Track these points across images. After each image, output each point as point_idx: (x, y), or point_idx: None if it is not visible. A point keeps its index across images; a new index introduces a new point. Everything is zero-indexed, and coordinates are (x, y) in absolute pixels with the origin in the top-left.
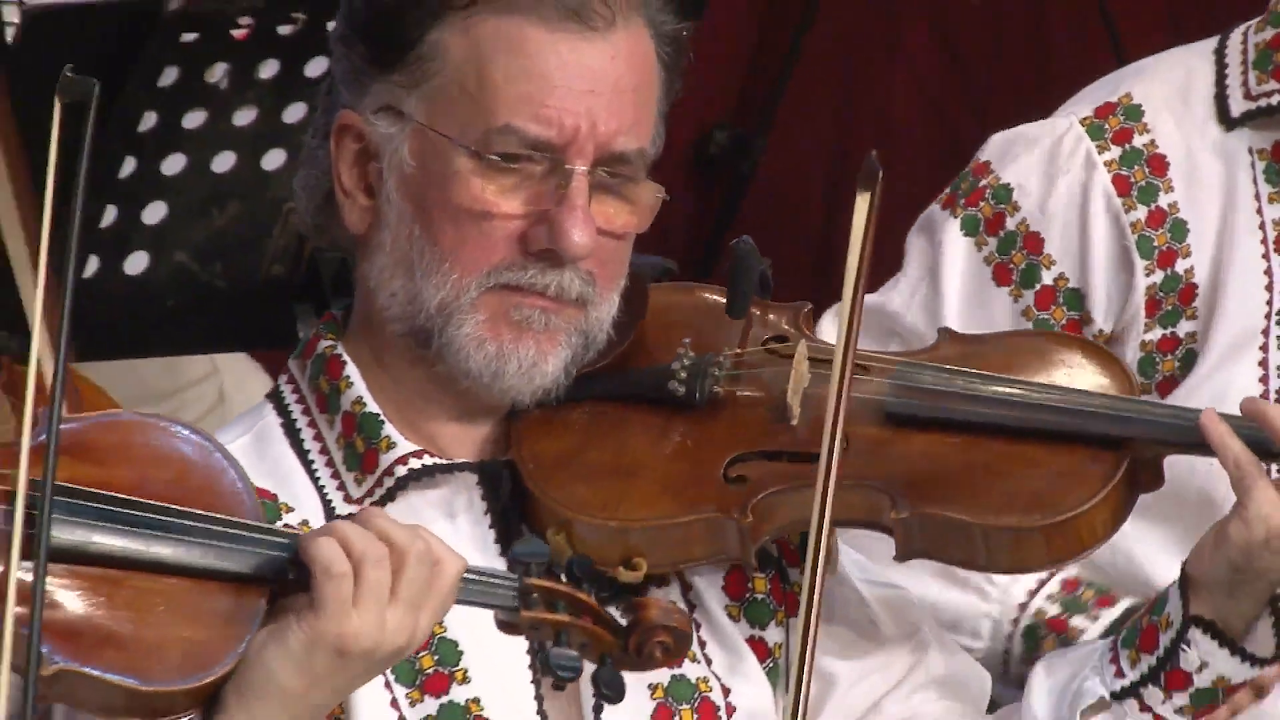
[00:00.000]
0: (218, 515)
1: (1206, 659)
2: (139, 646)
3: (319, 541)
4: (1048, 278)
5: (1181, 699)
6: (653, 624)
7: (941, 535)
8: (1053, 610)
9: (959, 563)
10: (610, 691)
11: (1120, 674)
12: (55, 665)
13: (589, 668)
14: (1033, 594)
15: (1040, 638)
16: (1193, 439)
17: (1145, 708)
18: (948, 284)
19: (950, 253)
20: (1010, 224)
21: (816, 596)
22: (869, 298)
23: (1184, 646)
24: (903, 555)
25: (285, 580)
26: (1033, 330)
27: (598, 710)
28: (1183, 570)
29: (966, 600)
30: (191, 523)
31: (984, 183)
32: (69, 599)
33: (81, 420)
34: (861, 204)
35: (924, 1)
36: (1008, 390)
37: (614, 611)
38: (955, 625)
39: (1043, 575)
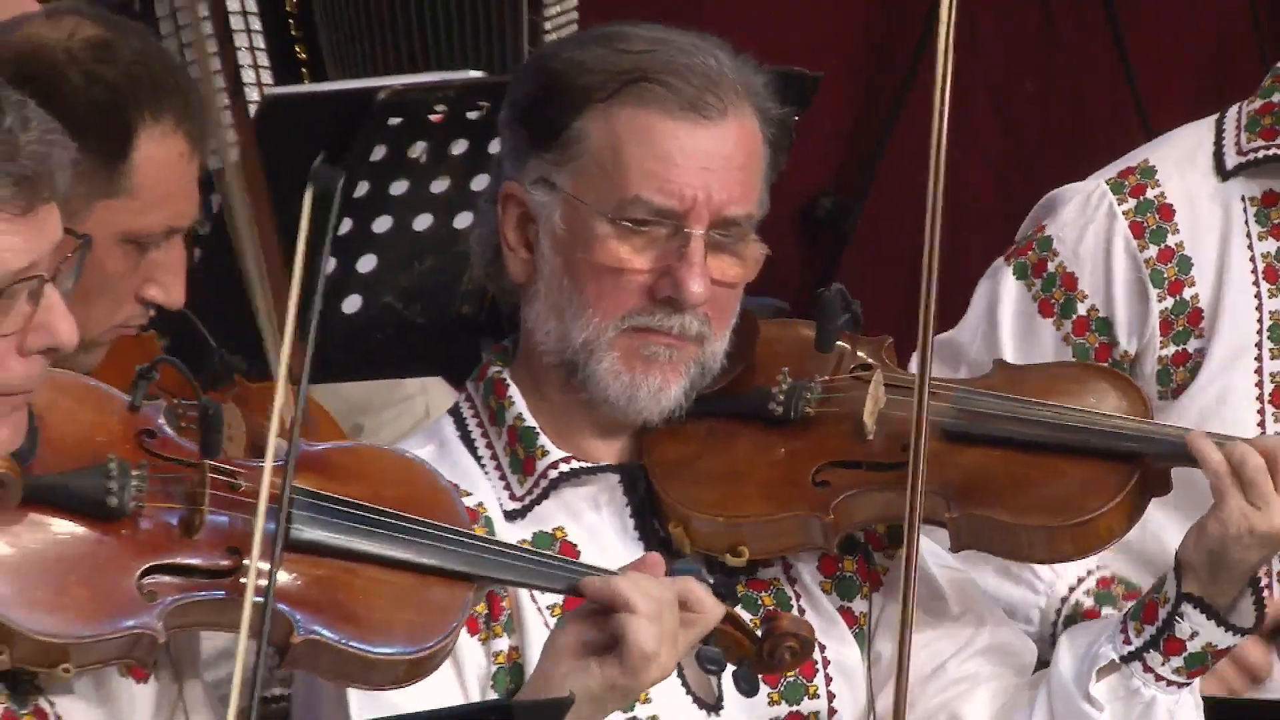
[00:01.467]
0: (436, 522)
1: (1197, 629)
2: (370, 623)
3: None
4: (1082, 309)
5: (1177, 661)
6: (784, 631)
7: (986, 532)
8: (1088, 603)
9: (1002, 554)
10: (747, 686)
11: (1128, 641)
12: (304, 635)
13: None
14: (1073, 589)
15: (1076, 622)
16: (1184, 454)
17: (1148, 668)
18: (1003, 319)
19: (1005, 294)
20: (1051, 267)
21: (912, 582)
22: (943, 335)
23: (1178, 618)
24: (956, 548)
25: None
26: (1068, 362)
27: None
28: (1176, 556)
29: (1020, 593)
30: (414, 527)
31: (1031, 235)
32: (317, 584)
33: (325, 446)
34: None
35: (988, 88)
36: (1042, 413)
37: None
38: (1010, 613)
39: (1081, 574)
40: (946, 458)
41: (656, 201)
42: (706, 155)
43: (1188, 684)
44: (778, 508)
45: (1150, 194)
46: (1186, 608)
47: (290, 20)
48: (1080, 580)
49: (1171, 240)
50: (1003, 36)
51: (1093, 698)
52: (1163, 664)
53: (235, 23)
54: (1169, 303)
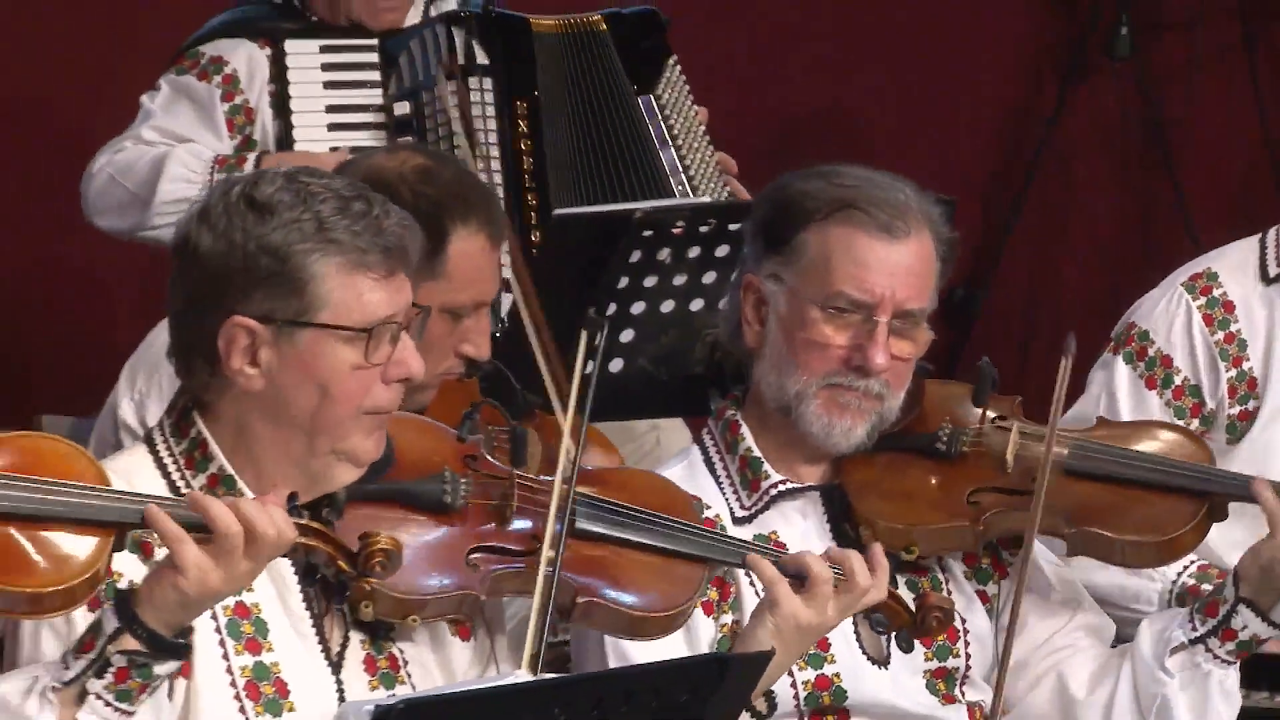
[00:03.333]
0: (682, 521)
1: (1247, 623)
2: (632, 590)
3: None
4: (1178, 380)
5: (1230, 646)
6: (933, 605)
7: (1093, 544)
8: (1191, 582)
9: (1104, 560)
10: (906, 646)
11: (1195, 629)
12: (588, 598)
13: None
14: (1180, 575)
15: (1185, 598)
16: (1245, 494)
17: (1209, 650)
18: (1120, 395)
19: (1119, 377)
20: (1151, 352)
21: (1026, 576)
22: (1072, 410)
23: (1234, 614)
24: (1070, 554)
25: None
26: (1154, 420)
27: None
28: (1234, 569)
29: (1142, 583)
30: (663, 522)
31: (1133, 331)
32: (593, 562)
33: (601, 469)
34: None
35: (1085, 223)
36: (1137, 459)
37: (905, 594)
38: (1137, 597)
39: (1186, 563)
40: (1065, 489)
41: (855, 296)
42: (894, 265)
43: (1235, 663)
44: (942, 519)
45: (1216, 293)
46: (1241, 608)
47: (526, 169)
48: (1185, 568)
49: (1233, 328)
50: (1087, 171)
51: (1166, 669)
52: (1220, 647)
53: (480, 153)
54: (1233, 373)
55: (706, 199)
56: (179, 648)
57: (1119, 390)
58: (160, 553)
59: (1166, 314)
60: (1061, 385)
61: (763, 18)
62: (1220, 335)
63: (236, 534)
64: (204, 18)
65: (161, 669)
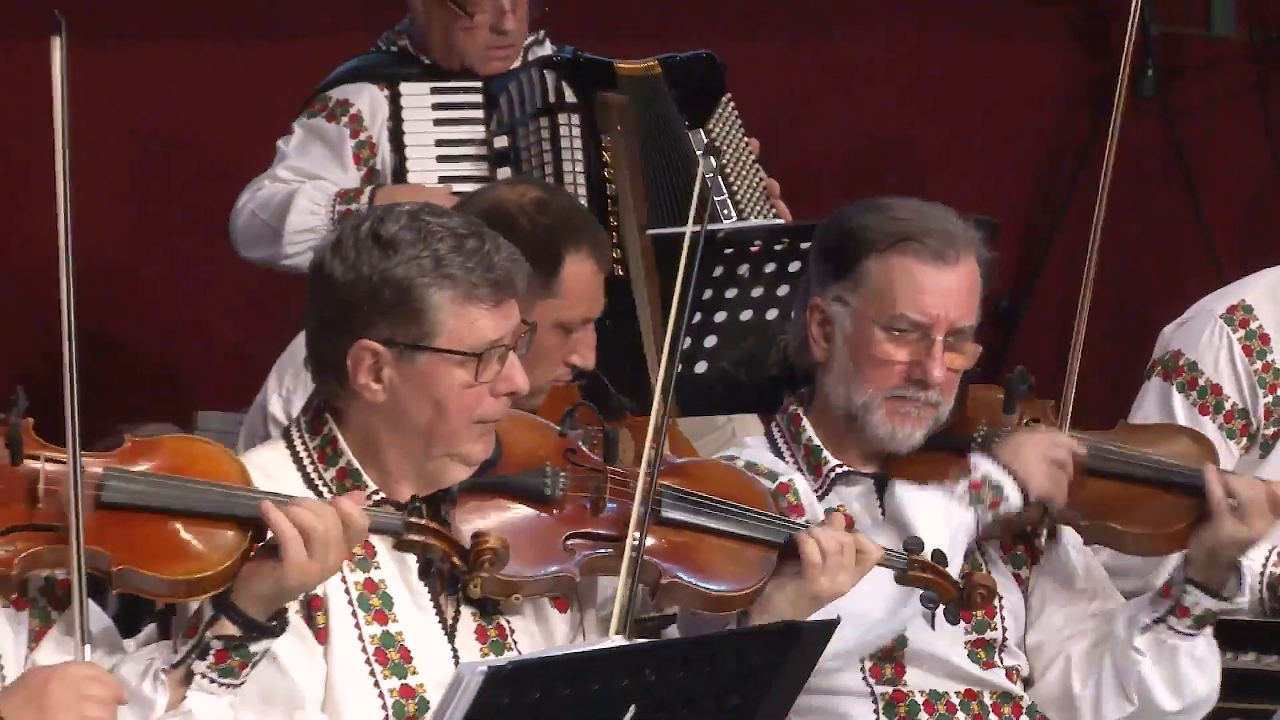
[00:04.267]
0: (751, 508)
1: (1198, 601)
2: (710, 571)
3: (809, 539)
4: (1227, 405)
5: (1188, 621)
6: (977, 583)
7: (1105, 535)
8: (1277, 571)
9: (1115, 549)
10: (952, 618)
11: (1155, 610)
12: (669, 579)
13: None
14: (1265, 564)
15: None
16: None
17: (1169, 627)
18: (1183, 422)
19: (1176, 405)
20: (1201, 382)
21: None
22: None
23: (1185, 594)
24: (1086, 543)
25: (786, 548)
26: (1168, 425)
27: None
28: (1185, 553)
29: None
30: (737, 510)
31: (1182, 362)
32: (676, 546)
33: (682, 460)
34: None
35: (1114, 241)
36: (1144, 461)
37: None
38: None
39: (1265, 553)
40: (1083, 486)
41: (915, 318)
42: (946, 288)
43: (1198, 634)
44: None
45: (1253, 326)
46: (1189, 588)
47: (610, 198)
48: (1267, 557)
49: (1269, 357)
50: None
51: (1137, 648)
52: (1179, 623)
53: (569, 180)
54: (1270, 398)
55: (757, 220)
56: (273, 629)
57: (1177, 416)
58: None
59: (1211, 346)
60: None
61: (833, 61)
62: (1259, 365)
63: (292, 536)
64: (333, 66)
65: (257, 647)
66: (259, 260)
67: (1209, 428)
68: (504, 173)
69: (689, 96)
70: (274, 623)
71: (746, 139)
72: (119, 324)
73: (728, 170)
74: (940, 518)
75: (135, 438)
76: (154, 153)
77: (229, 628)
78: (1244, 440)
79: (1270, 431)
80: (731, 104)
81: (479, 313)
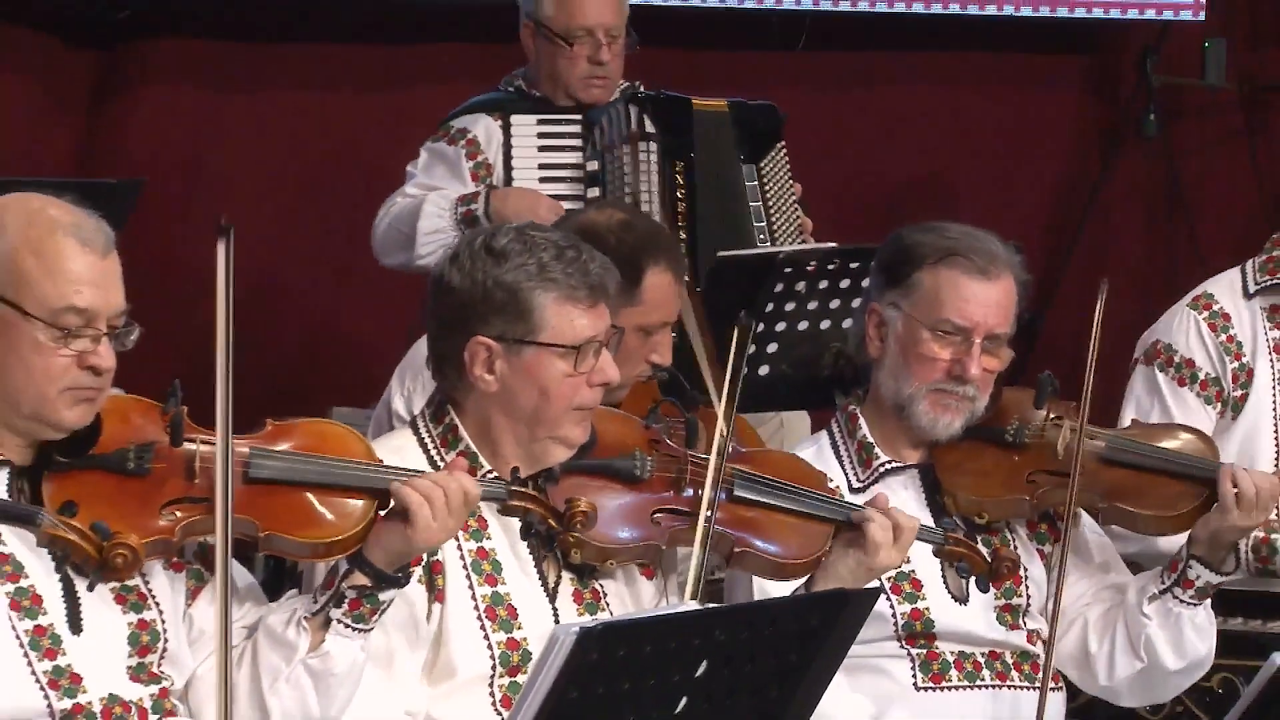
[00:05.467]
0: (814, 491)
1: (1200, 574)
2: (778, 540)
3: (878, 518)
4: (1201, 375)
5: (1191, 593)
6: (1004, 556)
7: (1120, 517)
8: (1261, 534)
9: (1129, 529)
10: (983, 587)
11: (1163, 582)
12: (742, 548)
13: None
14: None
15: (1259, 547)
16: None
17: (1175, 597)
18: (1164, 394)
19: (1159, 382)
20: (1176, 359)
21: (1067, 541)
22: (1125, 410)
23: (1189, 569)
24: (1102, 525)
25: (844, 526)
26: (1175, 423)
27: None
28: (1190, 533)
29: None
30: (799, 491)
31: (1159, 345)
32: (746, 520)
33: (752, 451)
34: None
35: (1121, 262)
36: (1155, 453)
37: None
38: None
39: None
40: (1100, 473)
41: (957, 322)
42: (986, 299)
43: (1200, 604)
44: (1006, 493)
45: (1215, 308)
46: (1193, 563)
47: (680, 213)
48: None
49: (1230, 332)
50: (1124, 222)
51: (1145, 613)
52: (1183, 594)
53: (643, 202)
54: (1234, 365)
55: (834, 245)
56: (399, 580)
57: (1163, 392)
58: None
59: (1182, 328)
60: (1085, 396)
61: (879, 110)
62: (1223, 337)
63: (420, 503)
64: (456, 103)
65: (385, 596)
66: (396, 265)
67: (1188, 397)
68: (594, 192)
69: (749, 135)
70: (400, 574)
71: (794, 183)
72: (265, 328)
73: (770, 204)
74: None
75: (276, 422)
76: (303, 178)
77: (361, 579)
78: (1219, 405)
79: (1239, 394)
80: (784, 150)
81: (577, 312)
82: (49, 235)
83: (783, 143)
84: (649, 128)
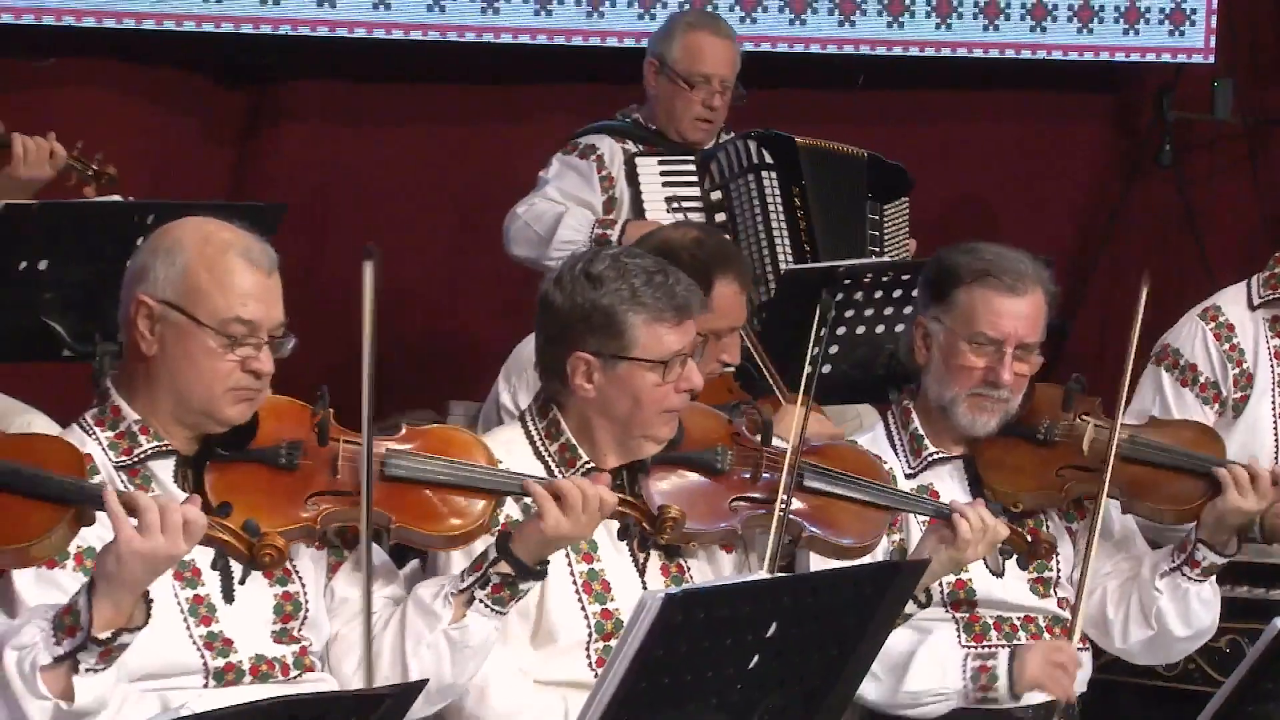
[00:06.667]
0: (871, 480)
1: (1206, 555)
2: (840, 528)
3: (965, 517)
4: (1202, 379)
5: (1197, 571)
6: (1042, 539)
7: (1138, 508)
8: None
9: (1147, 518)
10: (1022, 565)
11: (1173, 560)
12: (809, 533)
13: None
14: None
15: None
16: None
17: (1183, 574)
18: (1166, 393)
19: (1164, 382)
20: (1182, 363)
21: (1096, 524)
22: (1133, 406)
23: (1196, 550)
24: (1124, 512)
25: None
26: (1189, 421)
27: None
28: (1198, 518)
29: None
30: (862, 480)
31: (1168, 349)
32: (815, 509)
33: (823, 444)
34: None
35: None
36: (1170, 449)
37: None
38: None
39: None
40: (1121, 469)
41: (991, 335)
42: (1016, 313)
43: (1206, 580)
44: (1038, 486)
45: (1221, 319)
46: (1200, 545)
47: (802, 229)
48: None
49: (1234, 340)
50: (1141, 241)
51: (1157, 587)
52: (1191, 571)
53: (773, 221)
54: (1235, 372)
55: (888, 260)
56: (538, 574)
57: (1165, 390)
58: None
59: (1190, 336)
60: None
61: (931, 142)
62: (1226, 346)
63: (546, 498)
64: (553, 137)
65: (525, 586)
66: (521, 258)
67: (1188, 396)
68: (720, 217)
69: (878, 183)
70: (539, 568)
71: (909, 236)
72: (390, 331)
73: (886, 241)
74: None
75: (410, 425)
76: (423, 199)
77: (506, 568)
78: (1216, 406)
79: (1239, 396)
80: (907, 205)
81: (664, 330)
82: (221, 254)
83: (907, 199)
84: (767, 159)
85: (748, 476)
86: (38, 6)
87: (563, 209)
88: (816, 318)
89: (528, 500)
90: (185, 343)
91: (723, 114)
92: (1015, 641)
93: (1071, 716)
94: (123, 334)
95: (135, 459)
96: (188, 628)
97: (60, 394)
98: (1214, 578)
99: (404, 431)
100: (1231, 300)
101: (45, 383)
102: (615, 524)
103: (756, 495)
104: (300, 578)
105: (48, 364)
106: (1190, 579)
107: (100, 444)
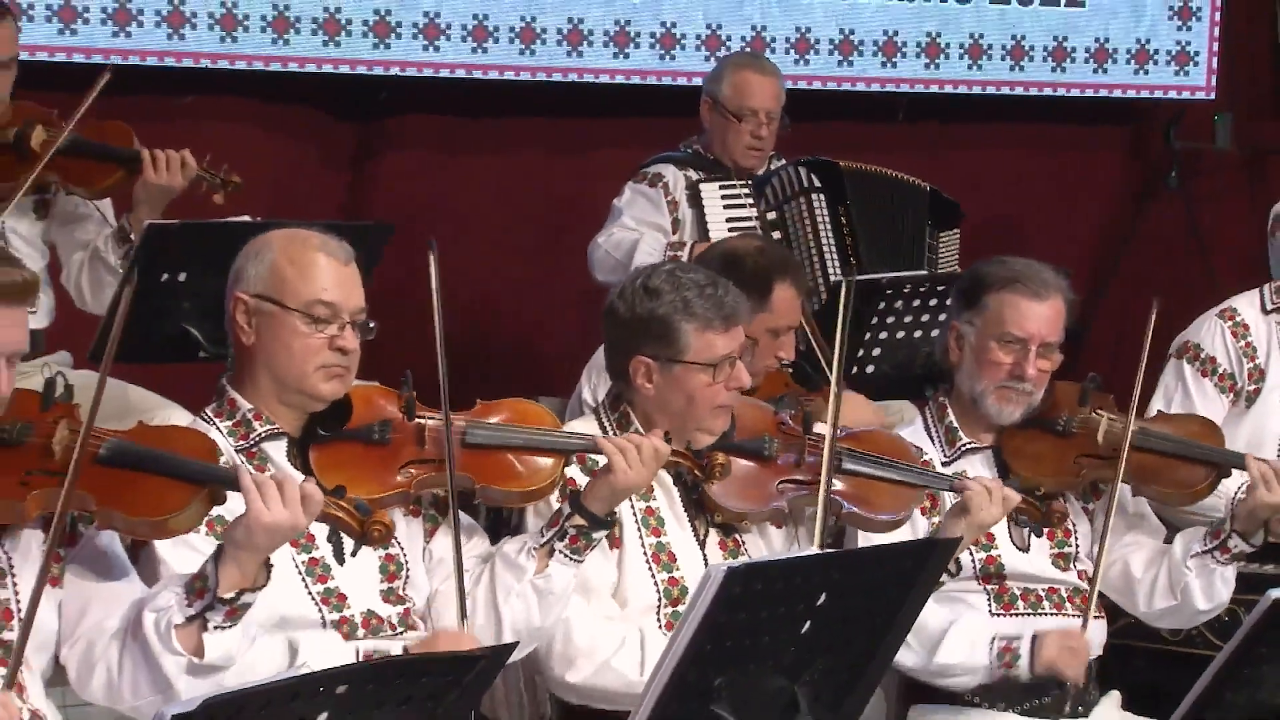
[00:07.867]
0: (906, 463)
1: (1237, 544)
2: (876, 506)
3: (974, 485)
4: (1219, 370)
5: (1227, 556)
6: (1055, 509)
7: (1148, 491)
8: (1241, 495)
9: (1155, 500)
10: (1037, 533)
11: (1206, 545)
12: (847, 510)
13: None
14: (1235, 494)
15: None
16: (1240, 464)
17: (1213, 558)
18: (1188, 383)
19: (1185, 373)
20: (1202, 356)
21: (1113, 503)
22: (1156, 394)
23: (1229, 539)
24: (1134, 495)
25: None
26: (1193, 414)
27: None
28: (1231, 510)
29: (1215, 501)
30: (895, 463)
31: (1189, 344)
32: (852, 489)
33: (859, 430)
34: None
35: (1150, 286)
36: (1177, 439)
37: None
38: (1215, 508)
39: (1236, 486)
40: (1131, 457)
41: (1017, 335)
42: (1039, 316)
43: (1229, 564)
44: (1057, 473)
45: (1238, 319)
46: (1233, 535)
47: (849, 245)
48: (1236, 492)
49: (1248, 339)
50: (1152, 256)
51: (1187, 566)
52: (1221, 557)
53: (823, 238)
54: (1249, 366)
55: (924, 273)
56: (607, 523)
57: (1186, 380)
58: None
59: (1210, 332)
60: (1134, 399)
61: (963, 169)
62: (1243, 343)
63: (615, 452)
64: (625, 165)
65: (597, 535)
66: (607, 282)
67: (1208, 386)
68: (776, 235)
69: (936, 213)
70: (609, 518)
71: (957, 265)
72: (483, 335)
73: (937, 263)
74: None
75: (484, 401)
76: (512, 220)
77: (580, 520)
78: (1231, 396)
79: (1252, 388)
80: (958, 234)
81: (714, 336)
82: (303, 249)
83: (958, 230)
84: (816, 183)
85: (793, 462)
86: (179, 50)
87: (638, 236)
88: (842, 298)
89: (586, 462)
90: (277, 328)
91: (771, 142)
92: (1040, 610)
93: (1090, 676)
94: (229, 334)
95: (252, 442)
96: (306, 586)
97: (197, 390)
98: (1237, 563)
99: (479, 406)
100: (1246, 304)
101: (184, 381)
102: (679, 501)
103: (801, 478)
104: (400, 543)
105: (186, 365)
106: (1220, 562)
107: (221, 432)
